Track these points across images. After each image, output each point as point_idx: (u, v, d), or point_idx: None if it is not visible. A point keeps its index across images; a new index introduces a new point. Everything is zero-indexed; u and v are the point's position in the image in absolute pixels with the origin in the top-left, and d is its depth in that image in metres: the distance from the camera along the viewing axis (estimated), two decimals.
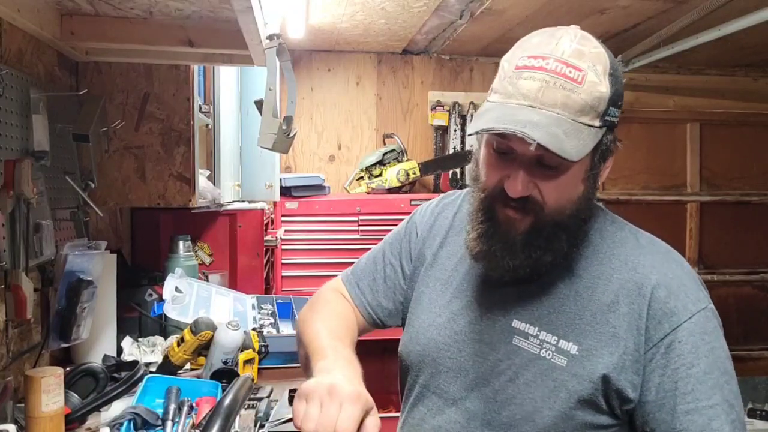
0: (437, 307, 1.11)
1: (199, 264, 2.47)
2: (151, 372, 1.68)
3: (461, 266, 1.11)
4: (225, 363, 1.69)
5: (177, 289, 2.04)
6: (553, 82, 0.89)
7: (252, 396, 1.58)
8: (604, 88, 0.91)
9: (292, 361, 1.99)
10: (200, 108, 2.12)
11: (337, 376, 0.86)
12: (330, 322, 1.12)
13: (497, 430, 1.00)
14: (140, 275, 2.22)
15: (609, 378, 0.94)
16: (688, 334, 0.94)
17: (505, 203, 0.96)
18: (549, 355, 0.97)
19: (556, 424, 0.96)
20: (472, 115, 3.79)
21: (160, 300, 2.07)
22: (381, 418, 0.84)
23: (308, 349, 1.04)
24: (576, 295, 0.99)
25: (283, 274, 3.30)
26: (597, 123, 0.92)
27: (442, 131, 3.81)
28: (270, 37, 1.50)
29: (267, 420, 1.51)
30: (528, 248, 0.96)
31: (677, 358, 0.93)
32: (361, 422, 0.80)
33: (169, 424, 1.38)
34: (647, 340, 0.95)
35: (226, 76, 2.51)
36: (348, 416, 0.79)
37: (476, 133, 0.93)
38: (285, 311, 2.34)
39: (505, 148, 0.94)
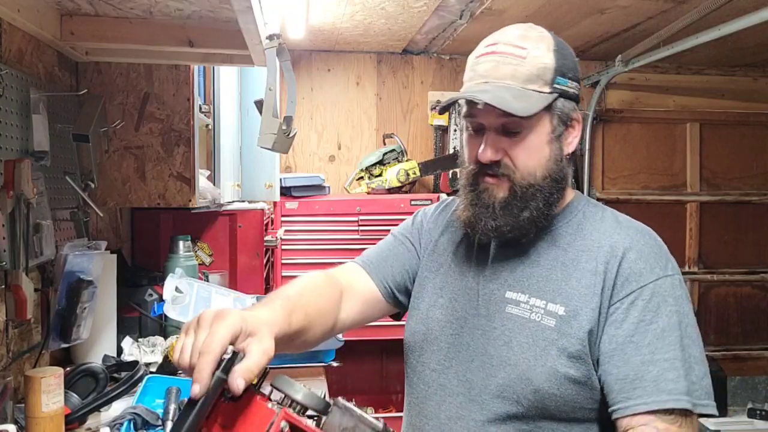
0: (439, 289, 1.18)
1: (199, 264, 2.47)
2: (151, 372, 1.68)
3: (459, 250, 1.20)
4: None
5: (177, 289, 2.04)
6: (502, 60, 1.06)
7: None
8: (548, 60, 1.06)
9: (292, 361, 1.99)
10: (200, 108, 2.12)
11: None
12: (292, 286, 1.09)
13: (494, 392, 1.05)
14: (140, 275, 2.22)
15: (592, 332, 1.02)
16: (652, 294, 1.01)
17: (484, 173, 1.09)
18: (539, 317, 1.05)
19: (549, 380, 1.01)
20: None
21: (160, 300, 2.08)
22: (381, 418, 0.84)
23: None
24: (562, 265, 1.08)
25: (283, 274, 3.30)
26: (546, 89, 1.06)
27: (442, 131, 3.81)
28: (270, 37, 1.50)
29: None
30: (506, 208, 1.07)
31: (638, 314, 1.00)
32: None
33: (169, 424, 1.38)
34: (613, 296, 1.03)
35: (226, 76, 2.51)
36: (211, 335, 0.76)
37: (442, 108, 1.12)
38: None
39: (477, 126, 1.10)
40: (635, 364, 0.98)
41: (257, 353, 0.77)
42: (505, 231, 1.08)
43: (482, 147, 1.07)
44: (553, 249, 1.10)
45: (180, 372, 1.78)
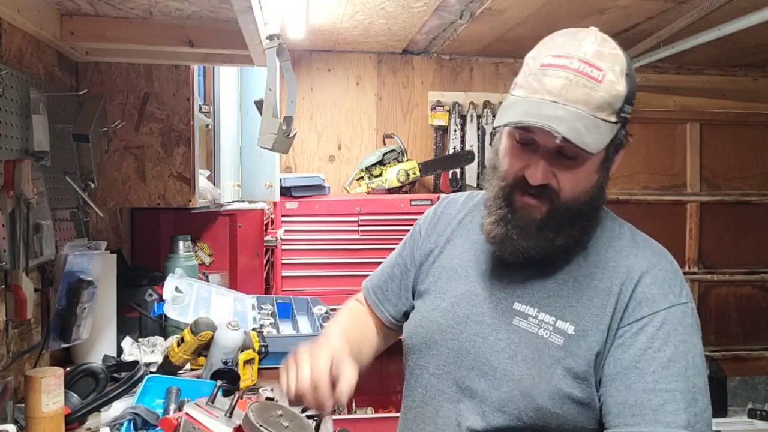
0: (442, 293, 1.16)
1: (199, 264, 2.47)
2: (151, 372, 1.68)
3: (467, 255, 1.16)
4: (225, 363, 1.69)
5: (177, 289, 2.04)
6: (575, 80, 0.95)
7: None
8: (621, 87, 0.97)
9: None
10: (200, 108, 2.12)
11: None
12: (340, 320, 1.27)
13: (495, 405, 1.03)
14: (140, 275, 2.22)
15: (600, 354, 0.99)
16: (663, 321, 0.98)
17: (524, 191, 1.02)
18: (547, 334, 1.02)
19: (552, 399, 0.99)
20: (471, 116, 3.80)
21: (160, 300, 2.07)
22: (381, 418, 0.85)
23: None
24: (574, 281, 1.04)
25: (283, 274, 3.30)
26: (613, 119, 0.98)
27: (442, 131, 3.81)
28: (270, 37, 1.50)
29: None
30: (542, 232, 1.02)
31: (646, 341, 0.97)
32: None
33: None
34: (623, 319, 1.00)
35: (226, 76, 2.51)
36: (313, 363, 0.99)
37: (505, 125, 0.98)
38: (285, 311, 2.34)
39: (528, 139, 1.00)
40: (637, 391, 0.95)
41: (350, 371, 1.01)
42: (535, 254, 1.03)
43: (533, 169, 0.99)
44: (567, 263, 1.06)
45: (180, 372, 1.78)
